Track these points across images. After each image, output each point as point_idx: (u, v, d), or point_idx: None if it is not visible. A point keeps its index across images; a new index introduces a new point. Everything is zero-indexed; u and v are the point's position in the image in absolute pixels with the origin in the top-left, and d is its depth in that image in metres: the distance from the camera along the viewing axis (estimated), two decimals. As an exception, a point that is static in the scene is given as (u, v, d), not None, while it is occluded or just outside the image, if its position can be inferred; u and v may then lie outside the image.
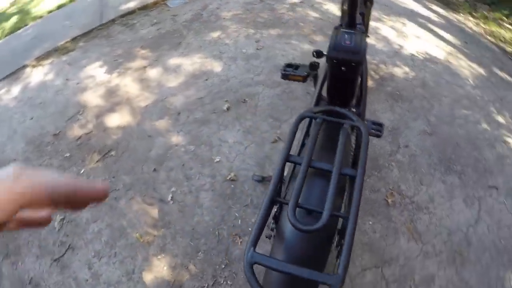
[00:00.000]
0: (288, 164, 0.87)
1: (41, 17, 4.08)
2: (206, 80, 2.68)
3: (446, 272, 1.84)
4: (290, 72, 1.50)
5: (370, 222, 1.94)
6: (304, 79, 1.48)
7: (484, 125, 2.66)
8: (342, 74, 1.09)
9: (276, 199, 0.80)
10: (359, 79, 1.22)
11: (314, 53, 1.25)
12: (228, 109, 2.44)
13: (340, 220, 0.89)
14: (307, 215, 0.85)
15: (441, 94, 2.83)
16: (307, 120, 1.05)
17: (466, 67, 3.23)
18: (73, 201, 0.22)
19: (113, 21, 3.44)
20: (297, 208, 0.75)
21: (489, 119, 2.74)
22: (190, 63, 2.84)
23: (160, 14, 3.51)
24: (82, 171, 2.12)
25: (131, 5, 3.60)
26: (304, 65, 1.52)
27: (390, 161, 2.25)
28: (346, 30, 1.07)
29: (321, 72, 1.47)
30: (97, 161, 2.17)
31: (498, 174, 2.35)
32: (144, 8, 3.59)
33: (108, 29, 3.34)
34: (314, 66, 1.36)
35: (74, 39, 3.28)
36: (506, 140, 2.60)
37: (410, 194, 2.11)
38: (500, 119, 2.78)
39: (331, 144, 0.97)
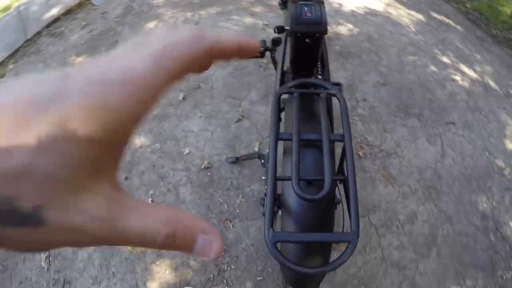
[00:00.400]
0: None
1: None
2: None
3: (426, 206, 2.09)
4: None
5: None
6: (262, 55, 1.52)
7: (432, 68, 2.93)
8: (307, 46, 1.18)
9: (278, 177, 0.86)
10: (321, 47, 1.31)
11: (276, 29, 1.32)
12: (184, 98, 2.48)
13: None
14: (307, 186, 0.94)
15: (387, 44, 3.05)
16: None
17: (405, 16, 3.49)
18: (240, 52, 0.26)
19: (39, 33, 3.25)
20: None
21: (435, 61, 3.01)
22: None
23: (87, 15, 3.40)
24: None
25: (54, 12, 3.42)
26: (259, 40, 1.60)
27: (352, 116, 2.42)
28: (304, 2, 1.13)
29: (280, 47, 1.55)
30: None
31: (452, 110, 2.62)
32: (69, 12, 3.44)
33: (36, 44, 3.17)
34: (276, 42, 1.43)
35: (2, 63, 3.02)
36: (454, 78, 2.89)
37: (378, 143, 2.32)
38: (445, 59, 3.07)
39: (309, 115, 1.09)
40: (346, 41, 3.00)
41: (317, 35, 1.14)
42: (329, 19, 3.13)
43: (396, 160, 2.25)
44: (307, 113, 1.11)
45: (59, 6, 3.50)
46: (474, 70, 3.06)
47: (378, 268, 1.86)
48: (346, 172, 0.85)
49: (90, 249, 1.86)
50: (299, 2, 1.14)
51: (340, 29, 3.13)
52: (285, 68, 1.43)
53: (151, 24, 3.14)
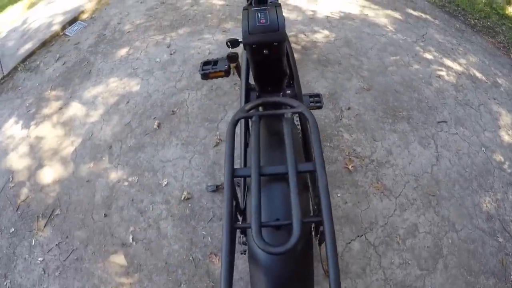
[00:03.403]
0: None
1: None
2: (128, 102, 2.48)
3: (426, 216, 1.84)
4: (209, 70, 1.37)
5: (339, 194, 1.88)
6: (226, 73, 1.37)
7: (415, 66, 2.69)
8: (266, 58, 0.96)
9: (235, 226, 0.67)
10: (285, 57, 1.09)
11: (229, 43, 1.11)
12: (159, 126, 2.28)
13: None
14: (274, 232, 0.73)
15: (366, 47, 2.82)
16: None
17: (382, 15, 3.27)
18: None
19: (15, 69, 3.10)
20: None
21: (418, 58, 2.78)
22: (106, 89, 2.62)
23: (61, 46, 3.23)
24: (33, 242, 1.90)
25: (29, 46, 3.27)
26: (223, 58, 1.39)
27: (337, 127, 2.20)
28: (257, 8, 0.93)
29: (242, 61, 1.36)
30: (45, 226, 1.95)
31: (442, 108, 2.39)
32: (43, 45, 3.28)
33: (13, 80, 3.01)
34: (232, 58, 1.22)
35: None
36: (440, 74, 2.66)
37: (368, 154, 2.07)
38: (428, 55, 2.83)
39: (277, 141, 0.87)
40: (324, 48, 2.78)
41: (275, 44, 0.91)
42: (303, 28, 3.01)
43: (389, 170, 2.01)
44: (274, 138, 0.90)
45: (34, 40, 3.34)
46: (459, 63, 2.84)
47: (382, 291, 1.63)
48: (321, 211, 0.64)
49: None
50: (252, 8, 0.93)
51: (316, 37, 2.91)
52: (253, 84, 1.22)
53: (123, 51, 2.96)
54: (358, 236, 1.75)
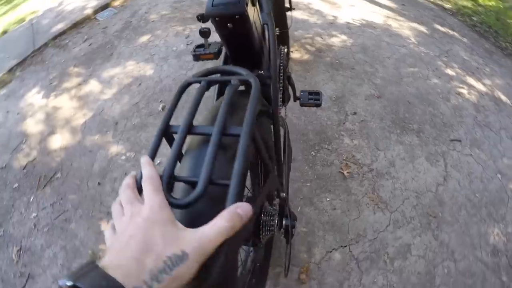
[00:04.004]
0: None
1: (-27, 54, 3.75)
2: (140, 85, 2.48)
3: (422, 238, 1.62)
4: (201, 51, 1.28)
5: (328, 199, 1.71)
6: (216, 56, 1.28)
7: (434, 80, 2.47)
8: (231, 31, 0.91)
9: None
10: (257, 34, 1.01)
11: (199, 17, 1.03)
12: (163, 109, 2.24)
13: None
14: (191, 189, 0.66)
15: (383, 56, 2.63)
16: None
17: (406, 28, 3.05)
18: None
19: (46, 45, 3.20)
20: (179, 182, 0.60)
21: (438, 73, 2.55)
22: (123, 71, 2.63)
23: (91, 29, 3.28)
24: (31, 199, 1.95)
25: (61, 26, 3.36)
26: (216, 42, 1.31)
27: (339, 131, 2.02)
28: None
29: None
30: (44, 186, 2.00)
31: (458, 126, 2.16)
32: (74, 26, 3.36)
33: (42, 54, 3.11)
34: (204, 33, 1.14)
35: (11, 70, 3.04)
36: (460, 92, 2.42)
37: (368, 162, 1.88)
38: (450, 71, 2.60)
39: (231, 108, 0.79)
40: (339, 52, 2.61)
41: (237, 16, 0.86)
42: (321, 31, 2.86)
43: (388, 182, 1.80)
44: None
45: (67, 20, 3.45)
46: (483, 83, 2.57)
47: (357, 314, 1.42)
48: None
49: (56, 248, 1.74)
50: None
51: (332, 40, 2.74)
52: None
53: (145, 38, 2.97)
54: (342, 246, 1.56)
